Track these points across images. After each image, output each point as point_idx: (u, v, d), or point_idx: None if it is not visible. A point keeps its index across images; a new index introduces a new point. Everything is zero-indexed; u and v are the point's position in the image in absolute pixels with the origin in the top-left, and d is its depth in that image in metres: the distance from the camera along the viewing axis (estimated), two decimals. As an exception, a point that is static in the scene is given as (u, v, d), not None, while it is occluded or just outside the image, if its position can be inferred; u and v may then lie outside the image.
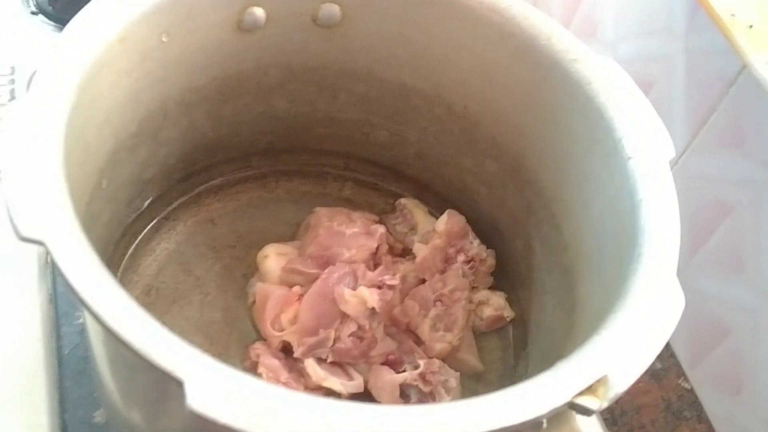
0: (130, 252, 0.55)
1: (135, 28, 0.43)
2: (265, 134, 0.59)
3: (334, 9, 0.51)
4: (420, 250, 0.56)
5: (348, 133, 0.60)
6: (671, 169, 0.43)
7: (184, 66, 0.49)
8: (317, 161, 0.62)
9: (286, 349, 0.50)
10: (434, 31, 0.51)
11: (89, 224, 0.40)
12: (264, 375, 0.47)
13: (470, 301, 0.55)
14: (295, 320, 0.50)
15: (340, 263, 0.52)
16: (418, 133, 0.58)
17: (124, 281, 0.53)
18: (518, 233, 0.55)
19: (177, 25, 0.46)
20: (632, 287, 0.38)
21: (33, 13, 0.74)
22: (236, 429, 0.28)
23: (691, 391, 0.62)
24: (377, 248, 0.54)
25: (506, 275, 0.58)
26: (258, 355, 0.49)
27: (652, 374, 0.64)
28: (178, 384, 0.29)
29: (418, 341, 0.52)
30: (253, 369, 0.48)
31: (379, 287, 0.50)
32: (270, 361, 0.48)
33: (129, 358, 0.31)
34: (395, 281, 0.51)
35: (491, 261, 0.57)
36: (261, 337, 0.52)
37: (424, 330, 0.52)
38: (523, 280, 0.56)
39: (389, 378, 0.49)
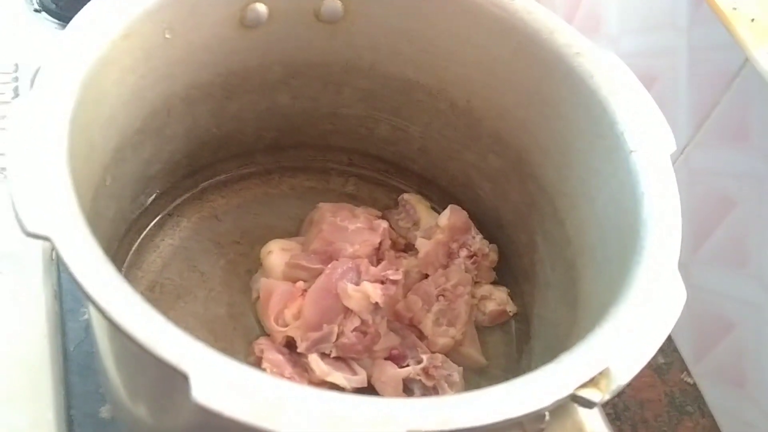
0: (134, 248, 0.55)
1: (138, 25, 0.43)
2: (269, 130, 0.59)
3: (337, 4, 0.51)
4: (423, 245, 0.56)
5: (352, 128, 0.60)
6: (674, 163, 0.43)
7: (188, 63, 0.49)
8: (321, 157, 0.62)
9: (290, 344, 0.50)
10: (438, 26, 0.51)
11: (94, 221, 0.40)
12: (268, 370, 0.48)
13: (473, 296, 0.55)
14: (299, 315, 0.50)
15: (344, 258, 0.52)
16: (422, 129, 0.59)
17: (129, 277, 0.53)
18: (521, 228, 0.55)
19: (180, 22, 0.46)
20: (634, 280, 0.38)
21: (36, 10, 0.74)
22: (242, 422, 0.29)
23: (694, 385, 0.63)
24: (380, 243, 0.54)
25: (509, 270, 0.58)
26: (262, 350, 0.49)
27: (656, 369, 0.64)
28: (184, 377, 0.29)
29: (422, 336, 0.52)
30: (257, 364, 0.48)
31: (383, 282, 0.50)
32: (274, 356, 0.48)
33: (134, 352, 0.31)
34: (398, 276, 0.51)
35: (494, 256, 0.57)
36: (265, 333, 0.52)
37: (427, 325, 0.52)
38: (526, 274, 0.56)
39: (393, 372, 0.49)
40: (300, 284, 0.52)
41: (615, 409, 0.61)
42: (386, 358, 0.50)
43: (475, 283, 0.56)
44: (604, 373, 0.33)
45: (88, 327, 0.54)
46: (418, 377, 0.49)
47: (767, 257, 0.55)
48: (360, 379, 0.49)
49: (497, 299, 0.55)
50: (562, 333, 0.48)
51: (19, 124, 0.36)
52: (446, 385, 0.49)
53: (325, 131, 0.60)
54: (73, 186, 0.35)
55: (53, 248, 0.32)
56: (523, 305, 0.56)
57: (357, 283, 0.50)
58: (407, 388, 0.49)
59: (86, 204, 0.40)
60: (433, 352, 0.51)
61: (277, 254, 0.54)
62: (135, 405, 0.43)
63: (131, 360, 0.39)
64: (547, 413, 0.33)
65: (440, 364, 0.50)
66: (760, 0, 0.52)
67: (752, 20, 0.52)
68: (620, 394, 0.62)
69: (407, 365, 0.50)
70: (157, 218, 0.57)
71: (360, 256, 0.53)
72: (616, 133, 0.44)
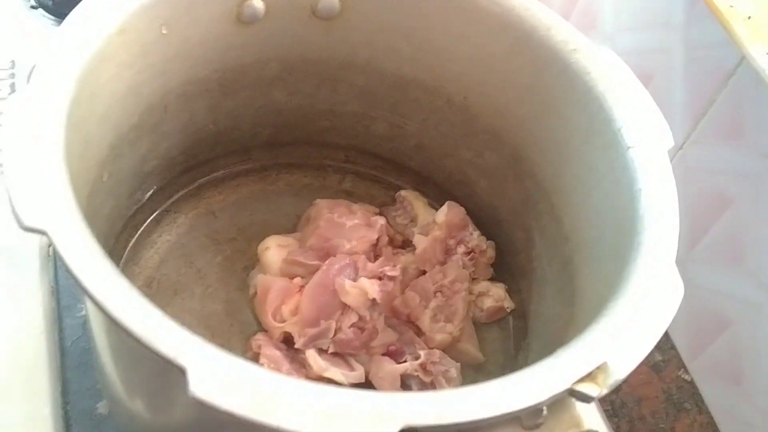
0: (131, 244, 0.55)
1: (135, 20, 0.43)
2: (266, 127, 0.59)
3: (333, 1, 0.51)
4: (420, 241, 0.56)
5: (348, 125, 0.60)
6: (671, 161, 0.43)
7: (185, 59, 0.49)
8: (318, 154, 0.62)
9: (288, 341, 0.50)
10: (434, 22, 0.51)
11: (90, 217, 0.40)
12: (266, 366, 0.48)
13: (470, 293, 0.55)
14: (296, 311, 0.50)
15: (341, 255, 0.52)
16: (418, 125, 0.59)
17: (126, 273, 0.53)
18: (518, 224, 0.55)
19: (177, 18, 0.46)
20: (632, 276, 0.38)
21: (33, 7, 0.74)
22: (239, 416, 0.28)
23: (692, 382, 0.63)
24: (377, 240, 0.54)
25: (506, 266, 0.58)
26: (259, 346, 0.49)
27: (653, 366, 0.64)
28: (181, 372, 0.29)
29: (419, 332, 0.52)
30: (254, 360, 0.48)
31: (380, 278, 0.50)
32: (271, 352, 0.48)
33: (131, 347, 0.31)
34: (396, 272, 0.51)
35: (491, 252, 0.57)
36: (262, 329, 0.52)
37: (425, 321, 0.52)
38: (523, 271, 0.56)
39: (390, 368, 0.49)
40: (297, 280, 0.52)
41: (612, 406, 0.61)
42: (384, 354, 0.50)
43: (473, 279, 0.56)
44: (601, 368, 0.33)
45: (84, 323, 0.54)
46: (415, 373, 0.49)
47: (763, 255, 0.56)
48: (357, 375, 0.49)
49: (494, 296, 0.55)
50: (560, 329, 0.48)
51: (15, 119, 0.36)
52: (444, 380, 0.49)
53: (322, 128, 0.60)
54: (69, 181, 0.35)
55: (50, 244, 0.32)
56: (521, 302, 0.56)
57: (354, 280, 0.50)
58: (405, 384, 0.49)
59: (83, 200, 0.40)
60: (430, 348, 0.51)
61: (274, 250, 0.54)
62: (132, 400, 0.43)
63: (128, 355, 0.39)
64: (544, 408, 0.33)
65: (438, 360, 0.50)
66: (756, -3, 0.52)
67: (748, 18, 0.52)
68: (617, 391, 0.63)
69: (405, 361, 0.50)
70: (154, 214, 0.57)
71: (357, 252, 0.53)
72: (613, 130, 0.44)
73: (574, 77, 0.47)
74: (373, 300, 0.49)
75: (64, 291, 0.55)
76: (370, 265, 0.51)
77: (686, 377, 0.63)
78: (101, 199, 0.47)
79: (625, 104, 0.44)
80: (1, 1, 0.74)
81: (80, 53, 0.40)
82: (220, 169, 0.60)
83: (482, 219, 0.59)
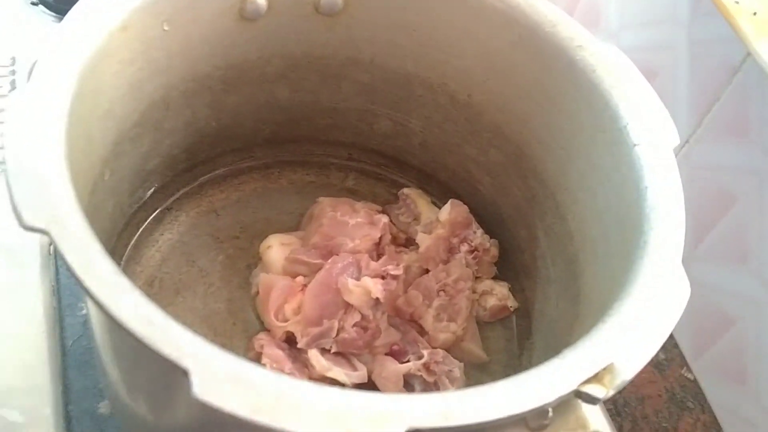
0: (132, 243, 0.54)
1: (137, 16, 0.43)
2: (268, 124, 0.59)
3: (336, -3, 0.51)
4: (423, 240, 0.55)
5: (351, 123, 0.60)
6: (675, 158, 0.43)
7: (187, 55, 0.49)
8: (320, 151, 0.62)
9: (290, 340, 0.50)
10: (438, 19, 0.51)
11: (92, 215, 0.39)
12: (268, 365, 0.47)
13: (474, 291, 0.55)
14: (299, 311, 0.50)
15: (344, 253, 0.51)
16: (422, 123, 0.58)
17: (127, 272, 0.53)
18: (522, 223, 0.55)
19: (179, 14, 0.46)
20: (638, 275, 0.38)
21: (33, 3, 0.74)
22: (242, 417, 0.28)
23: (695, 381, 0.62)
24: (380, 238, 0.54)
25: (510, 265, 0.57)
26: (262, 346, 0.49)
27: (656, 365, 0.64)
28: (184, 373, 0.29)
29: (422, 331, 0.52)
30: (257, 359, 0.48)
31: (383, 277, 0.50)
32: (274, 352, 0.48)
33: (133, 347, 0.31)
34: (399, 271, 0.51)
35: (495, 251, 0.57)
36: (265, 328, 0.51)
37: (428, 320, 0.52)
38: (527, 269, 0.56)
39: (393, 368, 0.49)
40: (300, 279, 0.51)
41: (615, 405, 0.61)
42: (387, 354, 0.50)
43: (476, 278, 0.56)
44: (608, 369, 0.33)
45: (86, 322, 0.53)
46: (418, 373, 0.49)
47: (767, 253, 0.55)
48: (360, 374, 0.48)
49: (498, 294, 0.55)
50: (564, 329, 0.47)
51: (16, 117, 0.36)
52: (447, 380, 0.49)
53: (325, 125, 0.60)
54: (71, 179, 0.34)
55: (51, 243, 0.32)
56: (525, 301, 0.56)
57: (357, 278, 0.49)
58: (408, 384, 0.49)
59: (84, 198, 0.40)
60: (433, 348, 0.51)
61: (276, 249, 0.53)
62: (134, 401, 0.43)
63: (130, 355, 0.39)
64: (550, 409, 0.33)
65: (441, 360, 0.50)
66: (762, -7, 0.52)
67: (754, 14, 0.52)
68: (620, 390, 0.63)
69: (408, 361, 0.49)
70: (156, 212, 0.56)
71: (360, 251, 0.52)
72: (619, 127, 0.44)
73: (579, 74, 0.46)
74: (376, 299, 0.49)
75: (65, 290, 0.55)
76: (373, 264, 0.51)
77: (689, 376, 0.63)
78: (103, 197, 0.46)
79: (631, 101, 0.44)
80: (2, -2, 0.74)
81: (81, 50, 0.40)
82: (222, 167, 0.59)
83: (486, 217, 0.58)
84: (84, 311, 0.54)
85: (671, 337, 0.65)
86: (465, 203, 0.57)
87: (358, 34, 0.53)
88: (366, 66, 0.55)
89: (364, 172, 0.63)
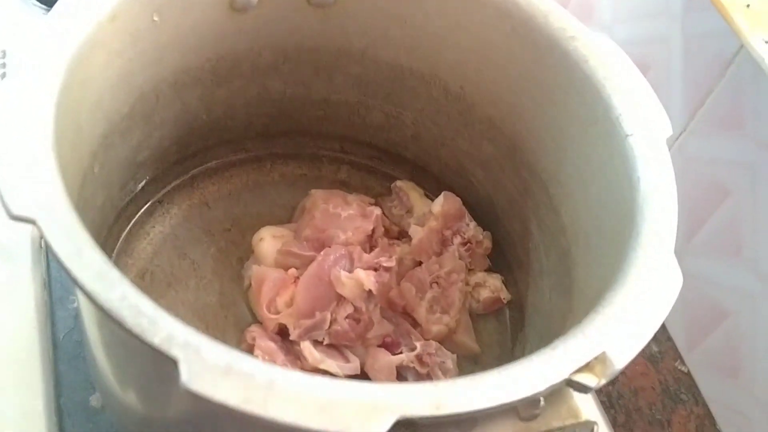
0: (124, 236, 0.54)
1: (126, 7, 0.43)
2: (260, 117, 0.59)
3: (329, -12, 0.50)
4: (416, 232, 0.55)
5: (344, 115, 0.59)
6: (669, 150, 0.42)
7: (177, 47, 0.48)
8: (313, 144, 0.62)
9: (283, 332, 0.50)
10: (430, 10, 0.51)
11: (82, 208, 0.39)
12: (260, 358, 0.47)
13: (467, 284, 0.55)
14: (291, 303, 0.50)
15: (336, 245, 0.51)
16: (415, 115, 0.58)
17: (119, 265, 0.53)
18: (515, 215, 0.55)
19: (169, 5, 0.45)
20: (630, 266, 0.38)
21: (23, -5, 0.73)
22: (231, 407, 0.28)
23: (688, 374, 0.63)
24: (373, 230, 0.54)
25: (503, 257, 0.57)
26: (254, 338, 0.49)
27: (649, 357, 0.64)
28: (173, 363, 0.29)
29: (415, 324, 0.52)
30: (249, 352, 0.48)
31: (376, 269, 0.50)
32: (266, 344, 0.48)
33: (123, 339, 0.31)
34: (391, 263, 0.51)
35: (488, 243, 0.57)
36: (257, 320, 0.51)
37: (421, 312, 0.52)
38: (520, 262, 0.55)
39: (386, 360, 0.49)
40: (292, 271, 0.51)
41: (609, 397, 0.61)
42: (379, 346, 0.50)
43: (469, 270, 0.56)
44: (599, 358, 0.33)
45: (77, 315, 0.53)
46: (411, 365, 0.49)
47: (761, 245, 0.55)
48: (353, 366, 0.48)
49: (491, 287, 0.55)
50: (557, 321, 0.47)
51: (3, 107, 0.35)
52: (440, 372, 0.49)
53: (317, 118, 0.60)
54: (59, 170, 0.34)
55: (41, 235, 0.31)
56: (517, 293, 0.56)
57: (350, 271, 0.49)
58: (401, 376, 0.49)
59: (74, 190, 0.40)
60: (426, 340, 0.51)
61: (268, 241, 0.53)
62: (125, 393, 0.43)
63: (121, 347, 0.39)
64: (542, 398, 0.33)
65: (434, 352, 0.49)
66: (755, -15, 0.52)
67: (747, 6, 0.52)
68: (614, 383, 0.63)
69: (401, 353, 0.49)
70: (147, 205, 0.56)
71: (353, 243, 0.52)
72: (612, 118, 0.44)
73: (572, 65, 0.46)
74: (369, 291, 0.49)
75: (57, 283, 0.55)
76: (366, 256, 0.51)
77: (683, 368, 0.63)
78: (93, 189, 0.46)
79: (624, 92, 0.44)
80: (-9, -10, 0.74)
81: (70, 41, 0.39)
82: (213, 160, 0.59)
83: (479, 210, 0.58)
84: (75, 304, 0.54)
85: (665, 329, 0.65)
86: (458, 196, 0.57)
87: (350, 25, 0.53)
88: (358, 58, 0.55)
89: (357, 164, 0.63)
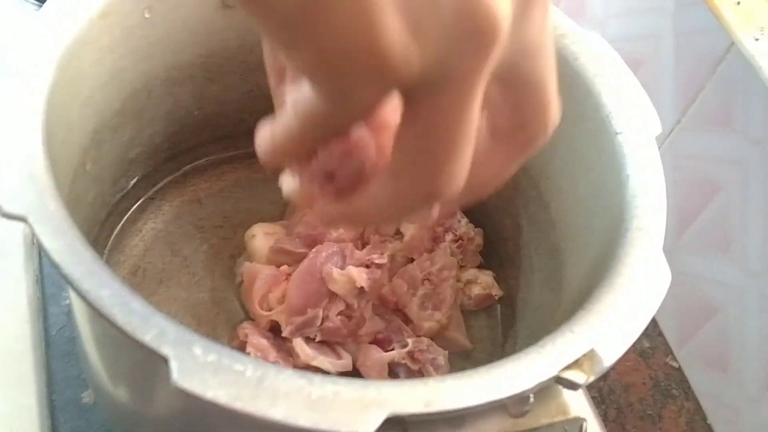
0: (115, 232, 0.54)
1: (117, 3, 0.42)
2: (252, 113, 0.58)
3: (321, -15, 0.50)
4: (408, 229, 0.55)
5: (335, 112, 0.59)
6: (659, 147, 0.43)
7: (169, 43, 0.48)
8: (305, 141, 0.62)
9: (275, 329, 0.50)
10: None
11: (74, 204, 0.39)
12: (252, 354, 0.47)
13: (458, 280, 0.55)
14: (283, 300, 0.50)
15: (328, 242, 0.51)
16: (406, 111, 0.58)
17: (111, 262, 0.53)
18: (506, 212, 0.55)
19: (160, 1, 0.45)
20: (619, 263, 0.38)
21: (15, -9, 0.73)
22: (222, 405, 0.28)
23: (679, 369, 0.63)
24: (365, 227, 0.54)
25: (494, 254, 0.58)
26: (246, 335, 0.49)
27: (640, 353, 0.64)
28: (164, 360, 0.29)
29: (407, 320, 0.52)
30: (241, 349, 0.48)
31: (368, 266, 0.50)
32: (258, 341, 0.48)
33: (114, 336, 0.31)
34: (383, 260, 0.51)
35: (479, 240, 0.57)
36: (249, 317, 0.51)
37: (413, 309, 0.52)
38: (511, 258, 0.56)
39: (378, 356, 0.49)
40: (284, 268, 0.51)
41: (600, 393, 0.61)
42: (371, 342, 0.50)
43: (461, 267, 0.56)
44: (588, 355, 0.33)
45: (69, 312, 0.53)
46: (403, 361, 0.49)
47: (751, 242, 0.56)
48: (345, 363, 0.48)
49: (482, 283, 0.55)
50: (547, 317, 0.48)
51: (-7, 104, 0.35)
52: (431, 368, 0.49)
53: (309, 114, 0.60)
54: (50, 166, 0.34)
55: (33, 233, 0.31)
56: (509, 289, 0.56)
57: (342, 267, 0.49)
58: (392, 372, 0.49)
59: (65, 187, 0.40)
60: (418, 336, 0.51)
61: (260, 238, 0.53)
62: (117, 389, 0.43)
63: (112, 344, 0.39)
64: (531, 395, 0.33)
65: (425, 348, 0.50)
66: (745, -18, 0.52)
67: (738, 3, 0.52)
68: (605, 378, 0.63)
69: (392, 349, 0.49)
70: (139, 202, 0.56)
71: (344, 240, 0.52)
72: (601, 116, 0.44)
73: (562, 62, 0.45)
74: (361, 288, 0.49)
75: (49, 280, 0.55)
76: (358, 253, 0.51)
77: (674, 364, 0.64)
78: (85, 186, 0.46)
79: (614, 90, 0.44)
80: (-18, -15, 0.73)
81: (61, 37, 0.39)
82: (205, 156, 0.59)
83: (470, 207, 0.58)
84: (67, 301, 0.54)
85: (656, 325, 0.65)
86: (449, 192, 0.57)
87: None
88: (350, 54, 0.55)
89: (349, 161, 0.62)
